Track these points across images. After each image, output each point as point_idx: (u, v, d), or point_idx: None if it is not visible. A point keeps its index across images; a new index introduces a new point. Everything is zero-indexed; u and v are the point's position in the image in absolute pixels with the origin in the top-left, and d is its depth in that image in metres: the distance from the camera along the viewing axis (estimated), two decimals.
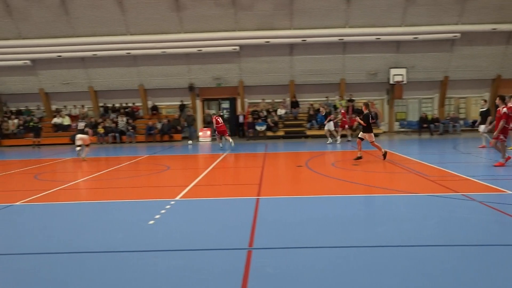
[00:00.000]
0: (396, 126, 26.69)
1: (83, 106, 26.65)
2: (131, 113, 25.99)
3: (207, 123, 26.27)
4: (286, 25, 23.80)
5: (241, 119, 25.59)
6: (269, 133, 24.33)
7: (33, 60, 25.02)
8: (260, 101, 26.14)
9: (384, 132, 25.69)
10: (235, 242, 5.31)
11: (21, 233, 6.22)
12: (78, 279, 4.33)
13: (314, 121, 24.45)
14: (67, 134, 24.89)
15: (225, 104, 28.17)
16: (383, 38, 23.87)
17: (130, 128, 24.72)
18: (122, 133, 24.57)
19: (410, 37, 23.86)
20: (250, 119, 24.51)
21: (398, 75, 24.96)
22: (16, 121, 25.74)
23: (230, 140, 18.79)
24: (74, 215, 7.29)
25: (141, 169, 13.51)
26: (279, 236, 5.52)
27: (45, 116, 26.61)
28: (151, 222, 6.33)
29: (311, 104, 25.71)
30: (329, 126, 20.23)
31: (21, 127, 25.36)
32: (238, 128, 26.03)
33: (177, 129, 24.90)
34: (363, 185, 9.04)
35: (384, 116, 26.61)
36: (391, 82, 25.14)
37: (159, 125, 24.61)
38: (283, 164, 14.02)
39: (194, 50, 24.32)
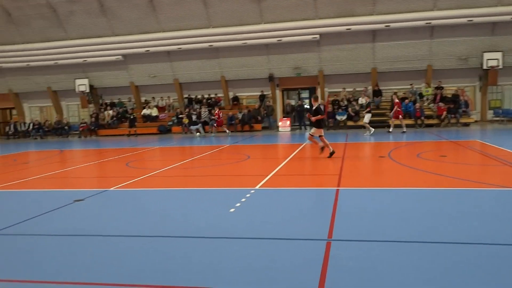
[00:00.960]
0: (490, 115, 24.68)
1: (169, 97, 28.02)
2: (214, 104, 26.82)
3: (287, 113, 26.33)
4: (368, 10, 22.98)
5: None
6: (350, 123, 23.79)
7: (124, 55, 26.74)
8: (340, 90, 25.61)
9: (476, 121, 23.91)
10: (314, 232, 5.30)
11: (114, 216, 6.74)
12: (159, 262, 4.60)
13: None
14: (155, 124, 26.40)
15: (305, 94, 28.03)
16: (476, 20, 22.10)
17: (212, 118, 25.52)
18: (205, 123, 25.46)
19: (508, 18, 21.83)
20: (330, 109, 24.14)
21: (492, 59, 23.00)
22: (110, 112, 27.77)
23: (227, 131, 23.10)
24: (161, 201, 7.74)
25: (223, 158, 13.92)
26: (359, 229, 5.41)
27: (135, 107, 28.39)
28: (232, 210, 6.52)
29: (395, 93, 24.63)
30: (367, 117, 19.60)
31: (114, 118, 27.33)
32: None
33: (257, 119, 25.27)
34: (451, 178, 8.52)
35: (475, 104, 24.77)
36: (485, 67, 23.26)
37: (239, 115, 25.15)
38: (364, 155, 13.67)
39: (274, 40, 24.40)
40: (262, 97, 26.61)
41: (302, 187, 8.36)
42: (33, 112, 30.85)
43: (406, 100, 23.09)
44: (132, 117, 25.92)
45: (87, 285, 4.10)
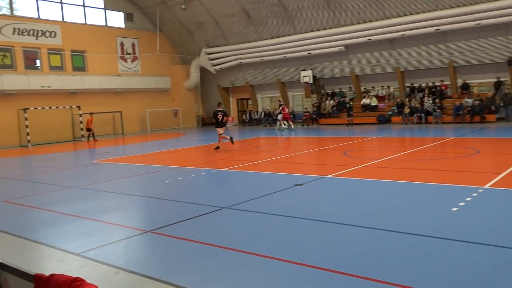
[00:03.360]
0: None
1: (389, 87, 27.26)
2: (439, 93, 24.84)
3: None
4: None
5: None
6: None
7: (346, 46, 27.18)
8: None
9: None
10: None
11: (329, 203, 7.02)
12: (371, 255, 4.57)
13: None
14: (374, 114, 26.12)
15: None
16: None
17: (436, 108, 23.71)
18: (427, 113, 23.87)
19: None
20: None
21: None
22: (331, 101, 28.76)
23: (292, 125, 25.81)
24: (377, 192, 7.64)
25: (446, 152, 12.85)
26: None
27: (355, 97, 28.62)
28: (454, 209, 5.98)
29: None
30: None
31: (334, 108, 28.18)
32: None
33: (490, 109, 22.30)
34: None
35: None
36: None
37: (469, 104, 22.62)
38: None
39: None
40: (498, 84, 23.29)
41: None
42: (264, 102, 34.46)
43: None
44: (348, 106, 26.28)
45: (294, 264, 4.41)
